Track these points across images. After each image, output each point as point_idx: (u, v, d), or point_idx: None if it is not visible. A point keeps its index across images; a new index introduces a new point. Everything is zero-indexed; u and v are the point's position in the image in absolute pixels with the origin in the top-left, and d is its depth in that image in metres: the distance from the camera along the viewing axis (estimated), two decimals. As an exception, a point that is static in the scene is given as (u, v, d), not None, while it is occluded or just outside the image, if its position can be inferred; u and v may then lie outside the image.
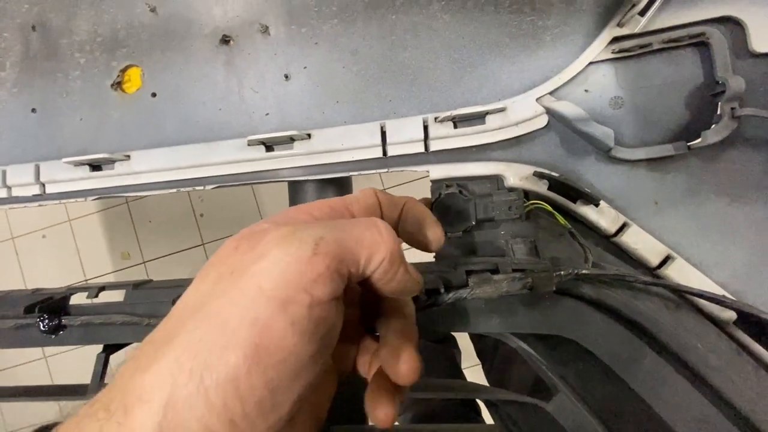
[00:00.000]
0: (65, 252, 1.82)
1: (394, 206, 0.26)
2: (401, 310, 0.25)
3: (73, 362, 1.67)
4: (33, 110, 0.45)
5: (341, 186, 0.45)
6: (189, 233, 1.80)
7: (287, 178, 0.40)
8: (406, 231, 0.27)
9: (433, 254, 0.38)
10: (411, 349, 0.22)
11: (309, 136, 0.39)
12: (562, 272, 0.29)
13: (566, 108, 0.34)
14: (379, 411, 0.22)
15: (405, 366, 0.22)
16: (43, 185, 0.43)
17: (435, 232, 0.27)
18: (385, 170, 0.39)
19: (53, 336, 0.38)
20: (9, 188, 0.43)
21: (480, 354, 1.17)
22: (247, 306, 0.17)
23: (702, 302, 0.31)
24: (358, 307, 0.27)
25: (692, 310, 0.31)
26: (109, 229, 1.83)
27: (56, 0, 0.45)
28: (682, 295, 0.32)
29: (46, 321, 0.37)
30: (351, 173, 0.40)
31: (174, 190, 0.41)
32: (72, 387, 0.37)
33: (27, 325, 0.38)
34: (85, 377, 0.37)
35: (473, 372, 1.29)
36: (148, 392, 0.16)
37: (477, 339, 1.12)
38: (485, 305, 0.32)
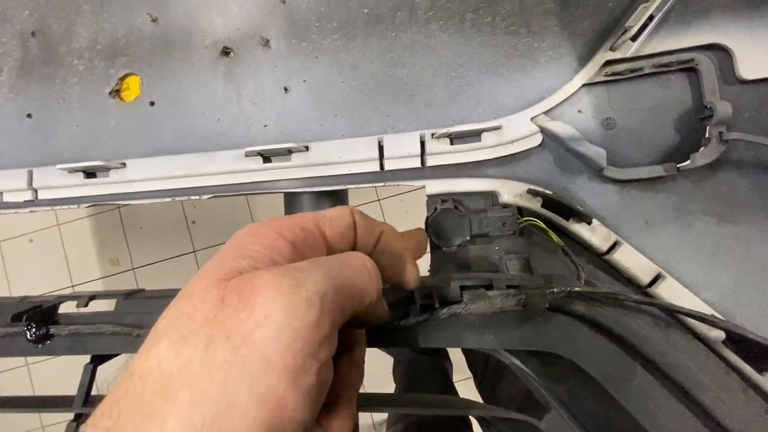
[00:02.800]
0: (53, 257, 1.79)
1: (370, 233, 0.25)
2: (353, 349, 0.24)
3: (57, 370, 1.63)
4: (29, 115, 0.45)
5: (337, 198, 0.45)
6: (181, 240, 1.78)
7: (284, 190, 0.40)
8: (380, 264, 0.25)
9: (428, 268, 0.39)
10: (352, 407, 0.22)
11: (307, 148, 0.39)
12: (555, 289, 0.29)
13: (560, 128, 0.35)
14: None
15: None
16: (36, 191, 0.42)
17: (412, 273, 0.26)
18: (382, 184, 0.39)
19: (40, 345, 0.37)
20: (0, 193, 0.43)
21: (471, 366, 1.17)
22: (255, 382, 0.15)
23: (692, 321, 0.32)
24: None
25: (682, 329, 0.32)
26: (99, 235, 1.80)
27: (58, 7, 0.45)
28: (672, 314, 0.32)
29: (34, 330, 0.37)
30: (348, 186, 0.40)
31: (169, 199, 0.41)
32: (57, 399, 0.37)
33: (14, 334, 0.37)
34: (69, 386, 0.36)
35: (465, 385, 1.28)
36: None
37: (468, 351, 1.12)
38: (479, 321, 0.32)
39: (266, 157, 0.39)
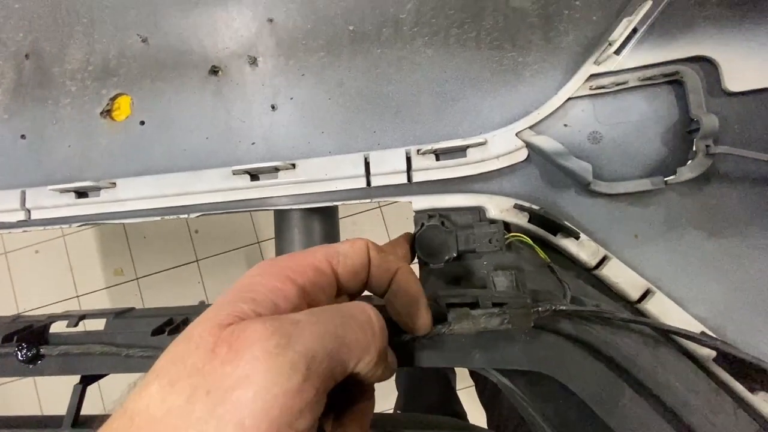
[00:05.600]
0: (58, 268, 1.81)
1: (385, 271, 0.24)
2: (358, 403, 0.23)
3: (62, 381, 1.64)
4: (23, 136, 0.45)
5: (326, 214, 0.45)
6: (183, 249, 1.79)
7: (273, 207, 0.40)
8: (393, 306, 0.25)
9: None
10: None
11: (294, 166, 0.39)
12: (540, 308, 0.29)
13: (545, 142, 0.35)
14: None
15: None
16: (29, 211, 0.43)
17: (425, 320, 0.25)
18: (369, 200, 0.39)
19: (31, 366, 0.37)
20: (-6, 214, 0.43)
21: (473, 375, 1.16)
22: None
23: (682, 339, 0.31)
24: None
25: (672, 347, 0.31)
26: (103, 245, 1.82)
27: (51, 29, 0.46)
28: (662, 332, 0.32)
29: (24, 351, 0.37)
30: (335, 203, 0.40)
31: (158, 218, 0.41)
32: (47, 418, 0.37)
33: (5, 354, 0.37)
34: (65, 399, 0.36)
35: (468, 393, 1.27)
36: None
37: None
38: (465, 340, 0.31)
39: (253, 175, 0.40)
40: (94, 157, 0.44)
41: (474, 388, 1.16)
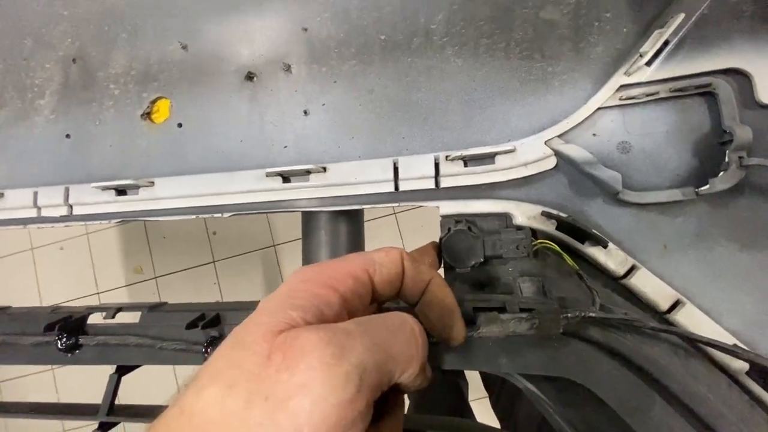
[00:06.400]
0: (80, 264, 1.86)
1: (418, 281, 0.25)
2: (391, 412, 0.24)
3: (81, 375, 1.68)
4: (67, 136, 0.48)
5: (353, 217, 0.46)
6: (201, 250, 1.83)
7: (303, 209, 0.41)
8: (427, 317, 0.25)
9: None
10: None
11: (324, 169, 0.40)
12: (569, 314, 0.29)
13: (574, 151, 0.35)
14: None
15: None
16: (71, 207, 0.45)
17: (460, 331, 0.25)
18: (396, 204, 0.40)
19: (69, 355, 0.39)
20: (39, 208, 0.45)
21: (487, 385, 1.14)
22: None
23: (713, 351, 0.31)
24: None
25: (703, 359, 0.31)
26: (125, 244, 1.87)
27: (97, 36, 0.49)
28: (692, 343, 0.31)
29: (64, 340, 0.38)
30: (363, 206, 0.41)
31: (193, 217, 0.43)
32: (83, 407, 0.38)
33: (45, 343, 0.39)
34: (91, 388, 0.38)
35: (481, 404, 1.25)
36: None
37: (484, 370, 1.09)
38: (492, 344, 0.32)
39: (285, 177, 0.41)
40: (133, 157, 0.46)
41: (488, 399, 1.14)
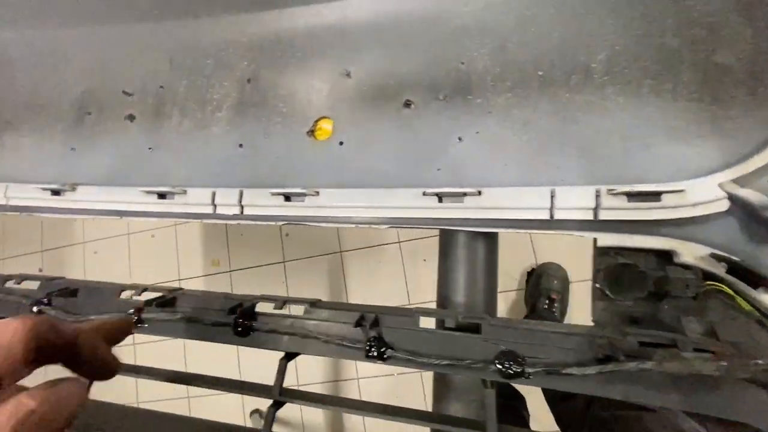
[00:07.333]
0: (167, 252, 2.05)
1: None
2: None
3: (159, 350, 1.85)
4: (240, 145, 0.55)
5: (490, 239, 0.49)
6: (273, 250, 1.95)
7: (455, 227, 0.44)
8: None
9: (591, 318, 0.40)
10: None
11: (479, 193, 0.43)
12: (760, 362, 0.29)
13: (753, 196, 0.35)
14: None
15: None
16: (243, 207, 0.52)
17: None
18: (548, 232, 0.42)
19: (243, 338, 0.44)
20: (215, 206, 0.53)
21: (561, 422, 1.10)
22: None
23: None
24: None
25: None
26: (206, 238, 2.04)
27: (270, 61, 0.56)
28: None
29: (242, 323, 0.44)
30: (509, 230, 0.43)
31: (353, 226, 0.47)
32: (256, 386, 0.43)
33: (223, 324, 0.45)
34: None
35: (545, 438, 1.20)
36: None
37: (558, 400, 1.05)
38: (664, 379, 0.32)
39: (441, 197, 0.45)
40: (297, 168, 0.52)
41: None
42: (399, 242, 1.87)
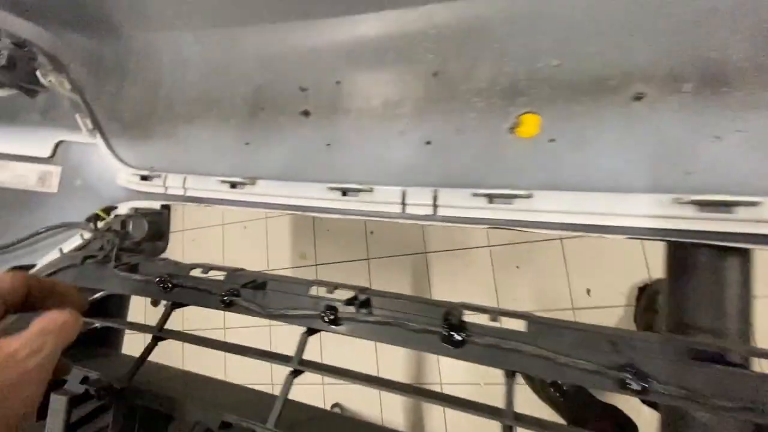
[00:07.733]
0: (258, 243, 2.15)
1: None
2: None
3: (247, 335, 1.94)
4: (428, 143, 0.52)
5: (743, 257, 0.41)
6: (358, 247, 1.96)
7: (723, 243, 0.38)
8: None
9: None
10: None
11: (755, 203, 0.36)
12: None
13: None
14: None
15: None
16: (436, 207, 0.49)
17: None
18: None
19: (456, 348, 0.41)
20: (404, 205, 0.50)
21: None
22: None
23: None
24: None
25: None
26: (294, 231, 2.11)
27: (459, 52, 0.53)
28: None
29: (452, 333, 0.41)
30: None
31: (571, 233, 0.42)
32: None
33: (434, 332, 0.42)
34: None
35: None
36: None
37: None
38: None
39: (701, 204, 0.38)
40: (497, 168, 0.48)
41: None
42: (489, 246, 1.79)
